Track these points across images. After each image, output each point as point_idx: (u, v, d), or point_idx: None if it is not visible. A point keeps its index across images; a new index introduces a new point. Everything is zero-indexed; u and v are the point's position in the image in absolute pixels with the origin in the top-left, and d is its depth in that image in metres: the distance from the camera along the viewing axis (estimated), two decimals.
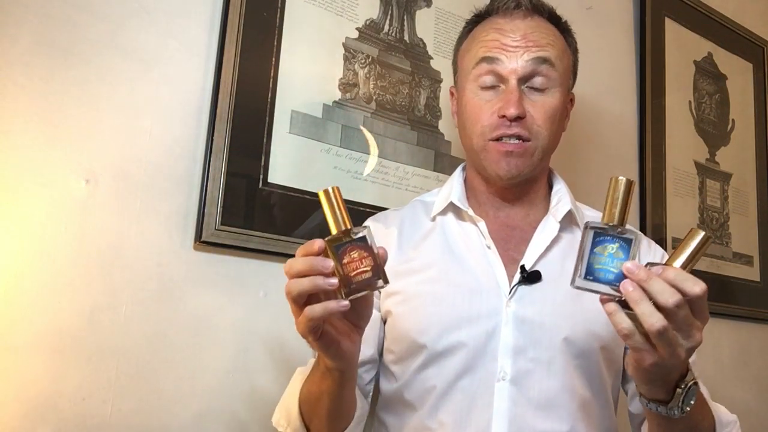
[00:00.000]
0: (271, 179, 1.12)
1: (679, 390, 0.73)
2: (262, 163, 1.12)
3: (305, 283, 0.69)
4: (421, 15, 1.36)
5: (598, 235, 0.70)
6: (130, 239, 1.00)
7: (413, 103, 1.31)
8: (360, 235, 0.71)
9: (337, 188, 0.72)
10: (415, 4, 1.36)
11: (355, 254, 0.70)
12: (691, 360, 0.95)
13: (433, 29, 1.37)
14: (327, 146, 1.19)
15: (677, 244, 0.71)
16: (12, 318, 0.90)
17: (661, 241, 1.65)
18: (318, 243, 0.71)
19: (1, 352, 0.89)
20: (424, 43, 1.35)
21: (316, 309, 0.69)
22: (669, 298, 0.65)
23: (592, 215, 1.01)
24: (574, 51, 1.03)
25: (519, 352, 0.89)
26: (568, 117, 1.04)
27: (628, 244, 0.69)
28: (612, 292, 0.69)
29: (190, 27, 1.09)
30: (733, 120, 1.98)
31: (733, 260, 1.87)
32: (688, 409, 0.74)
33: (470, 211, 0.98)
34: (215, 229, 1.05)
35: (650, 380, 0.73)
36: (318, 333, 0.72)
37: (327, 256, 0.70)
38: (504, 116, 0.92)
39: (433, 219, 1.02)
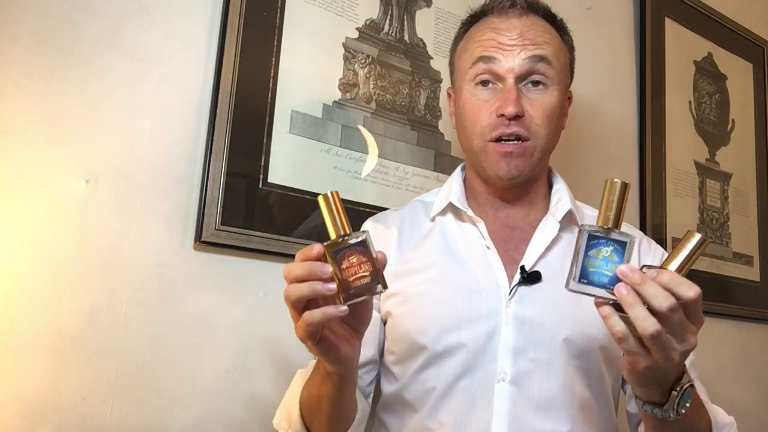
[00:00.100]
0: (271, 179, 1.12)
1: (674, 393, 0.73)
2: (262, 163, 1.12)
3: (304, 289, 0.69)
4: (421, 15, 1.36)
5: (593, 237, 0.70)
6: (130, 239, 1.00)
7: (413, 103, 1.31)
8: (359, 239, 0.71)
9: (336, 193, 0.72)
10: (415, 4, 1.36)
11: (353, 259, 0.70)
12: (690, 360, 0.95)
13: (433, 29, 1.37)
14: (327, 146, 1.19)
15: (675, 246, 0.71)
16: (12, 318, 0.90)
17: (661, 241, 1.65)
18: (317, 248, 0.70)
19: (1, 352, 0.89)
20: (424, 43, 1.35)
21: (314, 314, 0.69)
22: (663, 302, 0.65)
23: (593, 214, 1.01)
24: (571, 49, 1.02)
25: (519, 353, 0.89)
26: (566, 115, 1.03)
27: (622, 247, 0.69)
28: (606, 295, 0.68)
29: (190, 27, 1.09)
30: (733, 120, 1.98)
31: (733, 260, 1.87)
32: (683, 411, 0.74)
33: (469, 212, 0.98)
34: (215, 229, 1.05)
35: (645, 383, 0.73)
36: (317, 338, 0.72)
37: (326, 261, 0.70)
38: (502, 115, 0.91)
39: (433, 219, 1.02)
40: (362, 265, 0.70)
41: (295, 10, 1.19)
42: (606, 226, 0.70)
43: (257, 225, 1.09)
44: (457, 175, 1.05)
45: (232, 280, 1.09)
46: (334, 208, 0.72)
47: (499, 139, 0.93)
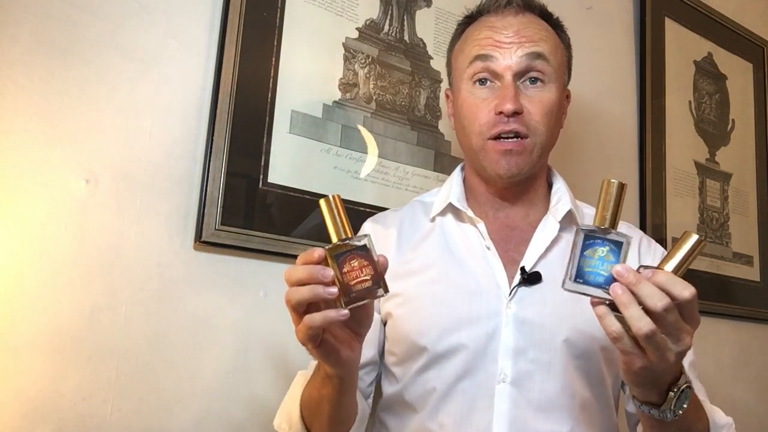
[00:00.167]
0: (271, 179, 1.12)
1: (671, 393, 0.73)
2: (262, 163, 1.12)
3: (304, 292, 0.69)
4: (421, 15, 1.36)
5: (589, 237, 0.70)
6: (130, 239, 1.00)
7: (413, 103, 1.31)
8: (360, 243, 0.71)
9: (338, 196, 0.72)
10: (415, 4, 1.36)
11: (355, 263, 0.70)
12: (689, 360, 0.96)
13: (433, 29, 1.37)
14: (327, 146, 1.19)
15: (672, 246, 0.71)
16: (12, 318, 0.90)
17: (662, 241, 1.65)
18: (318, 252, 0.70)
19: (1, 352, 0.89)
20: (424, 43, 1.35)
21: (315, 318, 0.69)
22: (657, 302, 0.65)
23: (593, 214, 1.01)
24: (568, 47, 1.02)
25: (519, 354, 0.88)
26: (565, 113, 1.03)
27: (618, 247, 0.69)
28: (602, 294, 0.69)
29: (190, 27, 1.09)
30: (733, 120, 1.98)
31: (733, 260, 1.87)
32: (681, 412, 0.74)
33: (469, 212, 0.98)
34: (215, 229, 1.05)
35: (641, 383, 0.73)
36: (317, 341, 0.72)
37: (327, 264, 0.70)
38: (501, 112, 0.91)
39: (433, 220, 1.02)
40: (363, 269, 0.70)
41: (295, 10, 1.19)
42: (602, 227, 0.70)
43: (257, 225, 1.09)
44: (456, 175, 1.05)
45: (232, 280, 1.08)
46: (335, 211, 0.72)
47: (498, 137, 0.93)
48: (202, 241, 1.04)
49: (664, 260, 0.70)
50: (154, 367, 1.00)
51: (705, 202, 1.83)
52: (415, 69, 1.33)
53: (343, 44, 1.24)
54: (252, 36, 1.13)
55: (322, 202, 0.72)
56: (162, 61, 1.06)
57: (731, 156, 1.94)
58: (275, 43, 1.16)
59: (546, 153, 0.98)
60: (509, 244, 0.97)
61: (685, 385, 0.74)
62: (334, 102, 1.21)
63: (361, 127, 1.24)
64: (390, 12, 1.32)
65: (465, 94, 0.96)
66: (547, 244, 0.94)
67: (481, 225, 0.97)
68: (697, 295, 0.68)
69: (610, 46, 1.72)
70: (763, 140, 2.05)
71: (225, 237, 1.06)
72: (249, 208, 1.09)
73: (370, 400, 1.01)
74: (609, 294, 0.67)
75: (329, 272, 0.69)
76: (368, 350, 0.97)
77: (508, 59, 0.93)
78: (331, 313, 0.69)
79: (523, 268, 0.92)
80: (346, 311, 0.69)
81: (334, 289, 0.69)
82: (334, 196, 0.72)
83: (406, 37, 1.33)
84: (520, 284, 0.91)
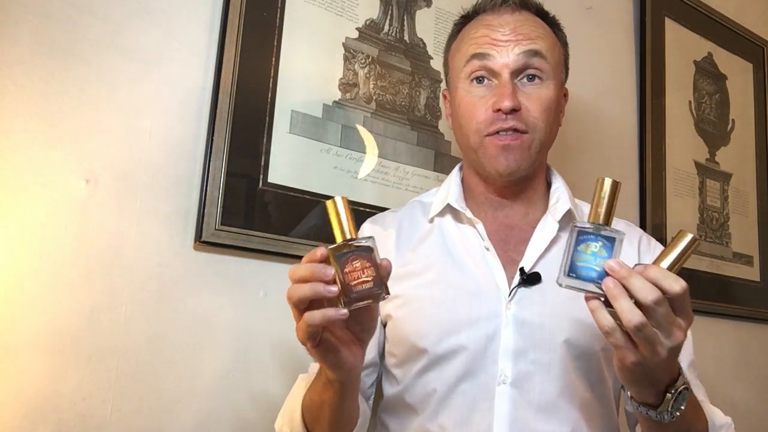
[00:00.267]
0: (271, 179, 1.12)
1: (669, 395, 0.73)
2: (262, 163, 1.12)
3: (306, 289, 0.70)
4: (421, 15, 1.36)
5: (582, 233, 0.71)
6: (130, 239, 1.00)
7: (413, 103, 1.31)
8: (363, 245, 0.71)
9: (345, 198, 0.73)
10: (415, 4, 1.36)
11: (357, 264, 0.70)
12: (689, 360, 0.95)
13: (433, 29, 1.37)
14: (327, 146, 1.19)
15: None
16: (12, 318, 0.90)
17: (662, 241, 1.65)
18: (320, 250, 0.71)
19: (1, 352, 0.89)
20: (424, 43, 1.35)
21: (315, 315, 0.70)
22: (648, 294, 0.66)
23: None
24: (564, 45, 1.02)
25: (519, 355, 0.88)
26: (562, 112, 1.03)
27: (611, 242, 0.70)
28: (595, 289, 0.69)
29: (190, 27, 1.09)
30: (733, 120, 1.98)
31: (733, 260, 1.87)
32: (678, 414, 0.74)
33: (468, 213, 0.98)
34: (215, 229, 1.05)
35: (635, 381, 0.73)
36: (317, 340, 0.72)
37: (330, 264, 0.71)
38: (499, 110, 0.91)
39: (431, 220, 1.01)
40: (365, 270, 0.70)
41: (295, 10, 1.19)
42: (596, 223, 0.71)
43: (257, 225, 1.09)
44: (454, 175, 1.05)
45: (232, 280, 1.08)
46: (341, 212, 0.72)
47: (496, 133, 0.92)
48: (202, 241, 1.04)
49: (658, 259, 0.70)
50: (154, 367, 1.00)
51: (705, 202, 1.83)
52: (415, 69, 1.33)
53: (343, 44, 1.24)
54: (252, 36, 1.13)
55: (328, 203, 0.73)
56: (162, 61, 1.06)
57: (731, 156, 1.94)
58: (275, 43, 1.16)
59: (545, 150, 0.98)
60: (508, 244, 0.97)
61: (683, 387, 0.74)
62: (334, 102, 1.21)
63: (361, 127, 1.24)
64: (390, 12, 1.32)
65: (462, 92, 0.96)
66: (546, 244, 0.94)
67: (480, 226, 0.96)
68: (689, 291, 0.68)
69: (610, 46, 1.72)
70: (763, 140, 2.05)
71: (225, 237, 1.06)
72: (249, 208, 1.09)
73: (371, 402, 1.01)
74: (601, 288, 0.68)
75: (330, 271, 0.70)
76: (369, 352, 0.97)
77: (506, 57, 0.93)
78: (330, 312, 0.69)
79: (522, 269, 0.92)
80: (345, 311, 0.69)
81: (335, 288, 0.69)
82: (341, 198, 0.73)
83: (406, 37, 1.33)
84: (519, 285, 0.91)
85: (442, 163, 1.32)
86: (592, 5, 1.68)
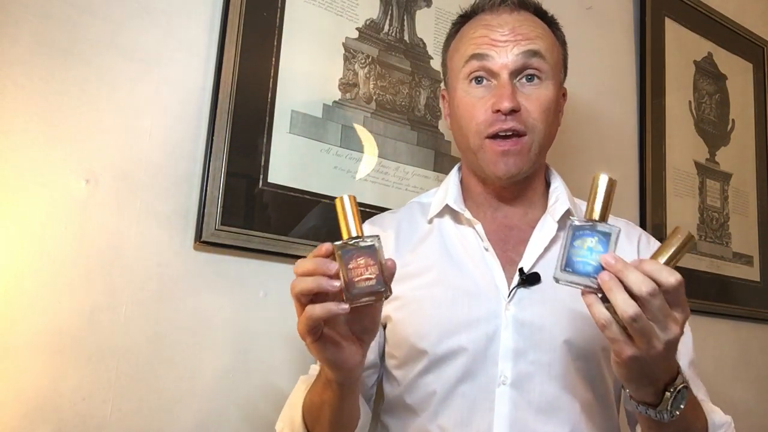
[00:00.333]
0: (271, 179, 1.12)
1: (667, 394, 0.73)
2: (262, 163, 1.12)
3: (308, 282, 0.71)
4: (421, 15, 1.36)
5: (578, 229, 0.72)
6: (130, 239, 1.00)
7: (413, 103, 1.31)
8: (368, 243, 0.72)
9: (353, 197, 0.74)
10: (415, 4, 1.36)
11: (361, 261, 0.71)
12: (689, 358, 0.95)
13: (433, 29, 1.37)
14: (327, 146, 1.19)
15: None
16: (12, 318, 0.90)
17: (662, 241, 1.65)
18: (326, 246, 0.72)
19: (1, 352, 0.89)
20: (424, 43, 1.35)
21: (316, 308, 0.70)
22: (643, 286, 0.66)
23: None
24: (563, 44, 1.02)
25: (519, 356, 0.88)
26: (561, 112, 1.03)
27: (607, 237, 0.71)
28: (591, 284, 0.70)
29: (190, 27, 1.09)
30: (733, 120, 1.98)
31: (733, 260, 1.87)
32: (677, 413, 0.74)
33: (467, 214, 0.98)
34: (215, 229, 1.05)
35: (632, 377, 0.73)
36: (317, 334, 0.73)
37: (335, 260, 0.72)
38: (498, 111, 0.91)
39: (430, 221, 1.01)
40: (369, 268, 0.71)
41: (295, 10, 1.19)
42: (592, 219, 0.72)
43: (257, 225, 1.09)
44: (453, 175, 1.04)
45: (232, 280, 1.08)
46: (348, 210, 0.73)
47: (495, 136, 0.92)
48: (202, 241, 1.04)
49: (655, 255, 0.71)
50: (154, 367, 1.00)
51: (705, 202, 1.83)
52: (415, 69, 1.33)
53: (343, 44, 1.24)
54: (252, 36, 1.13)
55: (337, 200, 0.74)
56: (162, 61, 1.06)
57: (731, 156, 1.94)
58: (275, 43, 1.16)
59: (544, 151, 0.98)
60: (508, 244, 0.97)
61: (682, 386, 0.74)
62: (334, 102, 1.21)
63: (360, 127, 1.24)
64: (390, 12, 1.32)
65: (461, 93, 0.96)
66: (546, 244, 0.94)
67: (479, 226, 0.96)
68: (684, 285, 0.69)
69: (610, 46, 1.72)
70: (763, 140, 2.05)
71: (225, 237, 1.06)
72: (249, 208, 1.09)
73: (372, 403, 1.01)
74: (597, 282, 0.69)
75: (334, 266, 0.71)
76: (369, 354, 0.96)
77: (504, 57, 0.92)
78: (331, 305, 0.70)
79: (521, 269, 0.92)
80: (346, 305, 0.70)
81: (338, 283, 0.70)
82: (349, 196, 0.74)
83: (406, 37, 1.33)
84: (518, 285, 0.91)
85: (442, 163, 1.32)
86: (592, 5, 1.68)
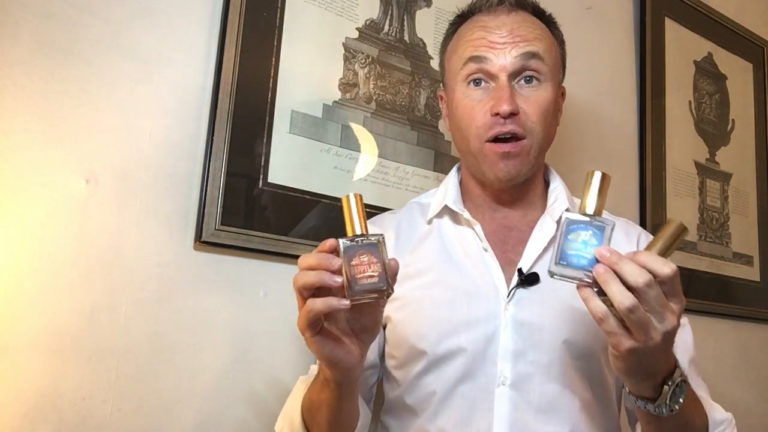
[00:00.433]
0: (271, 179, 1.12)
1: (666, 387, 0.73)
2: (262, 163, 1.12)
3: (311, 276, 0.71)
4: (421, 15, 1.36)
5: (572, 222, 0.72)
6: (130, 239, 1.00)
7: (413, 103, 1.31)
8: (372, 241, 0.73)
9: (359, 195, 0.75)
10: (415, 4, 1.36)
11: (364, 258, 0.72)
12: (690, 356, 0.95)
13: (433, 29, 1.37)
14: (327, 146, 1.19)
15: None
16: (12, 318, 0.90)
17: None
18: (330, 241, 0.73)
19: (1, 352, 0.89)
20: (424, 43, 1.35)
21: (317, 302, 0.71)
22: (638, 277, 0.66)
23: None
24: (561, 43, 1.02)
25: (519, 356, 0.88)
26: (560, 111, 1.03)
27: (600, 231, 0.71)
28: (586, 277, 0.70)
29: (190, 27, 1.09)
30: (733, 120, 1.98)
31: (733, 260, 1.87)
32: (677, 407, 0.73)
33: (466, 214, 0.98)
34: (215, 229, 1.05)
35: (630, 371, 0.73)
36: (317, 329, 0.73)
37: (339, 255, 0.72)
38: (497, 114, 0.91)
39: (430, 222, 1.01)
40: (372, 266, 0.72)
41: (295, 10, 1.19)
42: (586, 213, 0.72)
43: (257, 225, 1.09)
44: (452, 176, 1.04)
45: (232, 280, 1.09)
46: (354, 208, 0.74)
47: (495, 139, 0.92)
48: (202, 241, 1.04)
49: (648, 247, 0.71)
50: (154, 367, 1.00)
51: (705, 202, 1.83)
52: (415, 69, 1.33)
53: (343, 44, 1.24)
54: (252, 36, 1.13)
55: (343, 198, 0.75)
56: (162, 61, 1.06)
57: (731, 156, 1.94)
58: (275, 43, 1.16)
59: (543, 153, 0.98)
60: (507, 245, 0.97)
61: (680, 379, 0.74)
62: (334, 102, 1.21)
63: (361, 127, 1.24)
64: (390, 12, 1.32)
65: (460, 96, 0.96)
66: (545, 244, 0.94)
67: (478, 227, 0.96)
68: (679, 274, 0.69)
69: (610, 46, 1.72)
70: (763, 140, 2.05)
71: (225, 237, 1.06)
72: (249, 208, 1.09)
73: (371, 404, 1.01)
74: (592, 275, 0.69)
75: (337, 261, 0.71)
76: (369, 354, 0.96)
77: (503, 59, 0.92)
78: (332, 300, 0.70)
79: (520, 270, 0.92)
80: (347, 301, 0.71)
81: (340, 278, 0.71)
82: (355, 195, 0.75)
83: (406, 37, 1.33)
84: (517, 286, 0.91)
85: (442, 163, 1.32)
86: (592, 5, 1.68)
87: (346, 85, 1.23)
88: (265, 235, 1.10)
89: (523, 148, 0.92)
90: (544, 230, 0.96)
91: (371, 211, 1.18)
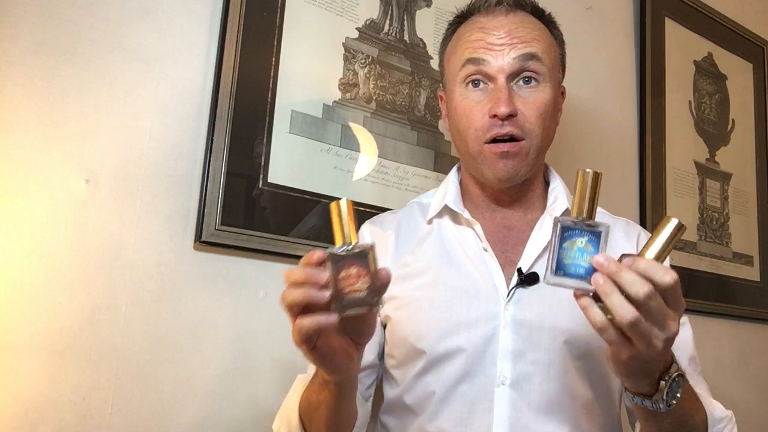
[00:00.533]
0: (270, 179, 1.12)
1: (663, 383, 0.72)
2: (262, 163, 1.12)
3: (297, 294, 0.69)
4: (421, 15, 1.36)
5: (567, 229, 0.69)
6: (130, 239, 1.00)
7: (413, 103, 1.31)
8: (361, 251, 0.69)
9: (349, 201, 0.71)
10: (415, 4, 1.36)
11: (353, 270, 0.69)
12: (689, 355, 0.95)
13: (433, 29, 1.37)
14: (327, 146, 1.19)
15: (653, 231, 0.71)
16: (12, 318, 0.90)
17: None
18: (317, 254, 0.70)
19: (1, 352, 0.89)
20: (424, 43, 1.35)
21: (305, 321, 0.69)
22: (639, 288, 0.65)
23: None
24: (561, 43, 1.01)
25: (518, 356, 0.88)
26: (560, 111, 1.02)
27: (597, 237, 0.68)
28: (583, 286, 0.68)
29: (190, 27, 1.10)
30: (733, 120, 1.98)
31: (733, 260, 1.87)
32: (674, 402, 0.73)
33: (466, 214, 0.98)
34: (215, 229, 1.05)
35: (630, 373, 0.72)
36: (311, 344, 0.71)
37: (328, 267, 0.69)
38: (495, 115, 0.90)
39: (430, 222, 1.01)
40: (361, 278, 0.69)
41: (295, 10, 1.19)
42: (580, 217, 0.69)
43: (257, 225, 1.09)
44: (452, 176, 1.04)
45: (232, 280, 1.09)
46: (343, 216, 0.71)
47: (493, 140, 0.92)
48: (202, 241, 1.04)
49: (645, 247, 0.69)
50: (154, 367, 1.00)
51: (705, 202, 1.83)
52: (415, 69, 1.33)
53: (343, 44, 1.24)
54: (252, 36, 1.13)
55: (332, 205, 0.71)
56: (162, 61, 1.06)
57: (731, 156, 1.94)
58: (275, 43, 1.16)
59: (542, 153, 0.97)
60: (507, 245, 0.97)
61: (677, 374, 0.73)
62: (334, 102, 1.21)
63: (360, 127, 1.24)
64: (390, 12, 1.32)
65: (458, 97, 0.96)
66: (545, 244, 0.94)
67: (478, 227, 0.96)
68: (679, 281, 0.67)
69: (610, 46, 1.72)
70: (763, 140, 2.05)
71: (225, 237, 1.06)
72: (249, 208, 1.09)
73: (370, 403, 1.01)
74: (590, 285, 0.67)
75: (325, 275, 0.68)
76: (368, 354, 0.97)
77: (501, 61, 0.92)
78: (320, 318, 0.68)
79: (520, 270, 0.92)
80: (335, 316, 0.68)
81: (327, 293, 0.68)
82: (346, 201, 0.71)
83: (406, 37, 1.33)
84: (517, 285, 0.91)
85: (442, 163, 1.32)
86: (591, 5, 1.68)
87: (346, 85, 1.23)
88: (265, 235, 1.10)
89: (521, 148, 0.92)
90: (543, 230, 0.96)
91: (371, 211, 1.19)
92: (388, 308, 0.96)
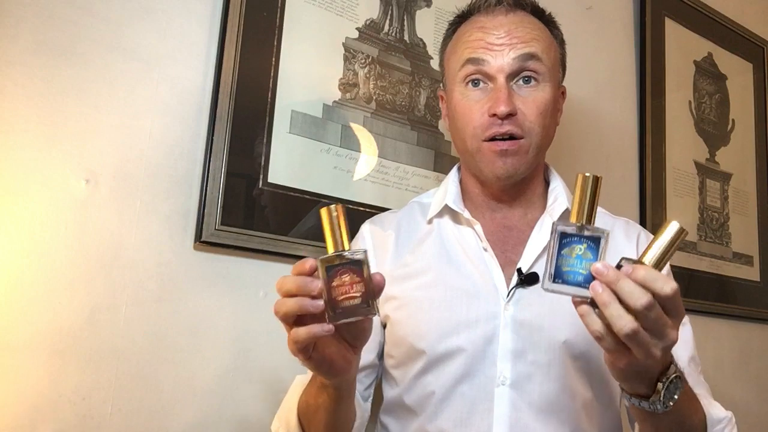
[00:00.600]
0: (270, 179, 1.12)
1: (660, 384, 0.72)
2: (262, 163, 1.12)
3: (291, 304, 0.68)
4: (421, 15, 1.36)
5: (565, 236, 0.68)
6: (130, 239, 1.00)
7: (413, 103, 1.31)
8: (354, 258, 0.68)
9: (341, 207, 0.70)
10: (415, 4, 1.36)
11: (346, 278, 0.68)
12: (689, 355, 0.94)
13: (433, 29, 1.37)
14: (327, 146, 1.19)
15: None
16: (12, 318, 0.90)
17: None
18: (310, 262, 0.69)
19: (1, 352, 0.89)
20: (424, 43, 1.35)
21: (300, 332, 0.68)
22: (638, 299, 0.64)
23: None
24: (561, 43, 1.01)
25: (518, 356, 0.88)
26: (560, 111, 1.02)
27: (596, 243, 0.67)
28: (582, 293, 0.67)
29: (190, 27, 1.10)
30: (733, 120, 1.98)
31: (733, 260, 1.87)
32: (671, 403, 0.72)
33: (466, 214, 0.98)
34: (215, 229, 1.05)
35: (628, 378, 0.72)
36: (308, 353, 0.71)
37: (320, 274, 0.68)
38: (495, 114, 0.90)
39: (430, 222, 1.01)
40: (354, 285, 0.68)
41: (295, 10, 1.19)
42: (579, 223, 0.68)
43: (257, 225, 1.09)
44: (452, 175, 1.04)
45: (232, 280, 1.09)
46: (335, 222, 0.69)
47: (492, 139, 0.92)
48: (202, 241, 1.04)
49: (645, 252, 0.68)
50: (154, 367, 1.00)
51: (705, 202, 1.83)
52: (415, 69, 1.33)
53: (343, 44, 1.24)
54: (252, 36, 1.13)
55: (323, 210, 0.70)
56: (162, 61, 1.06)
57: (731, 156, 1.94)
58: (275, 43, 1.16)
59: (542, 152, 0.97)
60: (507, 245, 0.97)
61: (674, 375, 0.72)
62: (334, 102, 1.21)
63: (360, 127, 1.24)
64: (390, 12, 1.32)
65: (458, 96, 0.96)
66: (545, 244, 0.93)
67: (478, 226, 0.96)
68: (679, 291, 0.66)
69: (610, 46, 1.72)
70: (763, 140, 2.05)
71: (225, 237, 1.06)
72: (249, 208, 1.09)
73: (369, 403, 1.00)
74: (589, 292, 0.66)
75: (317, 284, 0.68)
76: (367, 354, 0.97)
77: (500, 61, 0.92)
78: (315, 328, 0.68)
79: (520, 269, 0.92)
80: (330, 326, 0.67)
81: (320, 303, 0.67)
82: (336, 207, 0.70)
83: (406, 37, 1.33)
84: (517, 285, 0.91)
85: (442, 163, 1.32)
86: (592, 5, 1.68)
87: (346, 85, 1.23)
88: (265, 235, 1.10)
89: (521, 146, 0.92)
90: (544, 230, 0.95)
91: (371, 211, 1.19)
92: (387, 308, 0.96)
